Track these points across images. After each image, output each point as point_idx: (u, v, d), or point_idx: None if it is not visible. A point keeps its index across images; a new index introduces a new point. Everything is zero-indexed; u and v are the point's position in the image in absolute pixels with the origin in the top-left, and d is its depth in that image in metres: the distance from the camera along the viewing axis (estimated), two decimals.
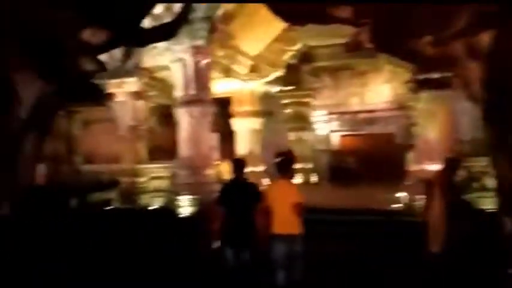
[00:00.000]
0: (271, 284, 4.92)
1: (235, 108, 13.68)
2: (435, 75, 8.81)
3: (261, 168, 13.76)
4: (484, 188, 8.55)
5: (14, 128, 5.66)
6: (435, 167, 8.47)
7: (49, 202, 12.13)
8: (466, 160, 8.14)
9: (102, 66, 5.23)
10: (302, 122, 17.22)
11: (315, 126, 18.88)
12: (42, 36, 5.02)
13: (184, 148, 10.57)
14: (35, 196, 12.55)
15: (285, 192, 4.90)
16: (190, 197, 10.14)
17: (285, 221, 4.79)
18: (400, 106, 18.39)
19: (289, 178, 5.14)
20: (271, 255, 4.86)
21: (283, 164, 5.01)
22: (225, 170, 12.70)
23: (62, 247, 7.01)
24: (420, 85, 9.27)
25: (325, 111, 19.06)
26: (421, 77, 9.14)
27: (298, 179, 16.38)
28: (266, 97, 17.18)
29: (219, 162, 12.61)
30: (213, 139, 15.11)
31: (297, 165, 16.01)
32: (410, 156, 14.87)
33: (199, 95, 10.43)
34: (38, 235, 6.89)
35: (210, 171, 10.69)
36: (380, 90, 18.64)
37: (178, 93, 10.48)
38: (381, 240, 7.71)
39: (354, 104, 18.95)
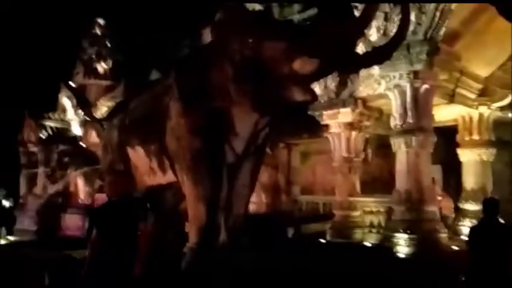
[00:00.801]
0: None
1: (461, 137, 12.13)
2: None
3: None
4: None
5: (229, 160, 5.77)
6: None
7: (267, 231, 12.61)
8: None
9: (314, 96, 4.94)
10: None
11: None
12: (257, 66, 4.98)
13: (401, 181, 9.71)
14: (253, 225, 13.30)
15: None
16: (408, 235, 9.18)
17: None
18: None
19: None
20: None
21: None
22: (447, 206, 11.31)
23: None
24: None
25: None
26: None
27: None
28: (500, 124, 14.99)
29: (441, 197, 11.26)
30: (435, 172, 13.78)
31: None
32: None
33: (418, 123, 9.48)
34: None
35: (431, 208, 9.55)
36: None
37: (396, 122, 9.73)
38: None
39: None
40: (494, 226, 4.63)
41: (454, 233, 11.70)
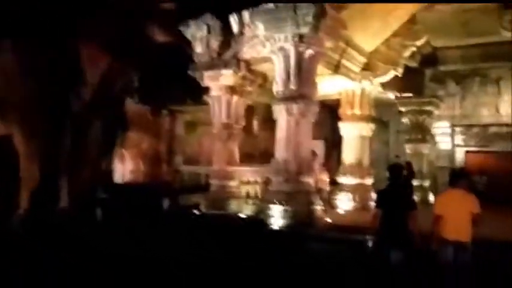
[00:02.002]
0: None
1: (343, 110, 11.93)
2: None
3: (369, 181, 11.84)
4: None
5: (77, 110, 4.57)
6: None
7: (142, 201, 11.54)
8: None
9: (177, 37, 3.93)
10: (421, 133, 14.85)
11: (436, 139, 16.49)
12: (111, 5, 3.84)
13: (280, 150, 9.15)
14: (115, 194, 12.15)
15: (458, 201, 5.11)
16: (284, 207, 8.69)
17: (456, 228, 4.98)
18: None
19: (463, 189, 5.23)
20: (439, 260, 5.03)
21: (455, 175, 5.32)
22: (324, 180, 11.09)
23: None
24: None
25: (449, 123, 16.56)
26: None
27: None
28: (380, 104, 15.24)
29: (319, 170, 10.98)
30: (316, 144, 13.58)
31: (414, 182, 13.87)
32: None
33: (301, 90, 8.91)
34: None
35: (308, 179, 9.13)
36: None
37: (278, 87, 9.08)
38: None
39: (484, 116, 16.21)
40: (398, 188, 5.39)
41: (330, 206, 11.58)
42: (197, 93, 11.37)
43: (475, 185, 12.64)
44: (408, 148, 14.88)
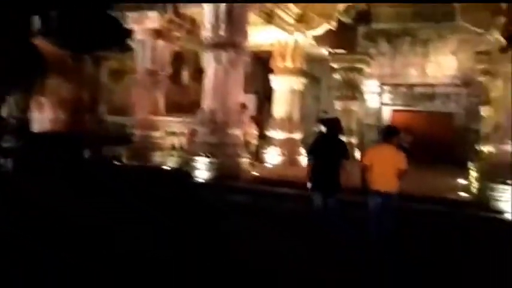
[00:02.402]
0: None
1: (275, 63, 11.58)
2: None
3: (298, 135, 11.72)
4: None
5: None
6: None
7: (55, 151, 10.74)
8: None
9: None
10: (351, 90, 14.90)
11: (365, 97, 16.69)
12: None
13: (207, 101, 8.71)
14: (29, 143, 11.27)
15: (388, 156, 5.33)
16: (209, 159, 8.35)
17: (383, 180, 5.25)
18: (465, 82, 16.03)
19: (394, 145, 5.43)
20: (368, 208, 5.32)
21: (388, 131, 5.51)
22: (252, 133, 10.84)
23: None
24: None
25: (378, 82, 16.78)
26: None
27: None
28: (313, 59, 15.06)
29: (248, 123, 10.65)
30: (247, 97, 13.26)
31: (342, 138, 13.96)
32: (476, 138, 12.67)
33: (231, 37, 8.43)
34: None
35: (235, 131, 8.80)
36: (443, 62, 16.12)
37: (207, 33, 8.53)
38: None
39: (412, 76, 16.53)
40: (333, 139, 5.59)
41: (258, 160, 11.40)
42: (123, 38, 10.55)
43: (400, 143, 12.88)
44: (338, 105, 14.91)
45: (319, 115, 12.40)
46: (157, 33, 9.43)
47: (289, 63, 11.44)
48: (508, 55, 8.30)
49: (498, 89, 10.07)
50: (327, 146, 5.53)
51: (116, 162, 9.58)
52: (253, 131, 11.00)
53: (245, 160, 8.92)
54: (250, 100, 14.59)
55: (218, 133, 8.57)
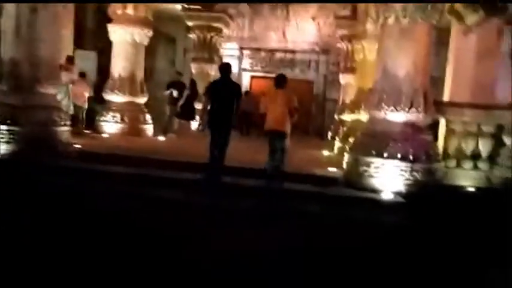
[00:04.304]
0: None
1: (113, 9, 9.16)
2: None
3: (142, 99, 9.56)
4: None
5: None
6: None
7: None
8: None
9: None
10: (209, 52, 13.14)
11: (223, 61, 15.10)
12: None
13: (7, 48, 6.21)
14: None
15: (281, 99, 5.71)
16: (8, 127, 5.96)
17: (276, 121, 5.66)
18: (325, 49, 15.32)
19: (285, 89, 5.86)
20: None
21: (279, 79, 5.87)
22: (81, 94, 8.55)
23: None
24: None
25: (237, 45, 15.29)
26: None
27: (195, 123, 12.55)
28: (167, 18, 12.96)
29: (76, 81, 8.24)
30: (82, 52, 10.80)
31: (197, 106, 12.20)
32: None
33: None
34: None
35: (49, 90, 6.46)
36: (303, 27, 15.18)
37: None
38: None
39: (272, 41, 15.35)
40: (228, 83, 5.83)
41: (93, 129, 9.13)
42: None
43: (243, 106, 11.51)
44: (194, 67, 13.10)
45: (173, 78, 10.38)
46: None
47: (130, 10, 9.10)
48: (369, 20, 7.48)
49: (362, 54, 9.16)
50: (222, 87, 5.76)
51: None
52: (84, 92, 8.66)
53: (66, 129, 6.66)
54: (89, 57, 11.99)
55: (23, 92, 6.16)
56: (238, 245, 3.65)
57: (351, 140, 8.01)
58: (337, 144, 8.76)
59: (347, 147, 7.05)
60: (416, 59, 5.52)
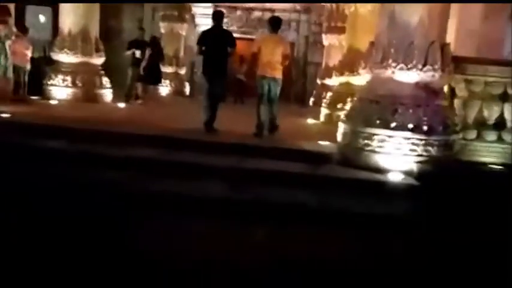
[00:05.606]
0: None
1: None
2: None
3: (98, 60, 8.06)
4: None
5: None
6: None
7: None
8: None
9: None
10: (178, 11, 11.62)
11: (197, 20, 13.59)
12: None
13: None
14: None
15: (274, 44, 5.53)
16: None
17: (270, 66, 5.49)
18: (306, 8, 13.94)
19: (279, 34, 5.80)
20: (258, 91, 5.61)
21: (274, 22, 5.68)
22: (22, 53, 7.11)
23: None
24: None
25: (210, 3, 13.74)
26: None
27: (165, 88, 11.15)
28: None
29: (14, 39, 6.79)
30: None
31: (167, 69, 10.77)
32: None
33: None
34: None
35: None
36: None
37: None
38: None
39: None
40: (220, 31, 5.72)
41: (40, 94, 7.70)
42: None
43: (235, 74, 10.21)
44: (163, 27, 11.61)
45: (137, 35, 8.91)
46: None
47: None
48: None
49: (353, 6, 7.81)
50: (215, 36, 5.63)
51: None
52: (26, 50, 7.18)
53: None
54: (43, 12, 10.39)
55: None
56: None
57: (340, 106, 6.88)
58: (324, 111, 7.54)
59: (337, 115, 5.92)
60: (432, 3, 4.26)
